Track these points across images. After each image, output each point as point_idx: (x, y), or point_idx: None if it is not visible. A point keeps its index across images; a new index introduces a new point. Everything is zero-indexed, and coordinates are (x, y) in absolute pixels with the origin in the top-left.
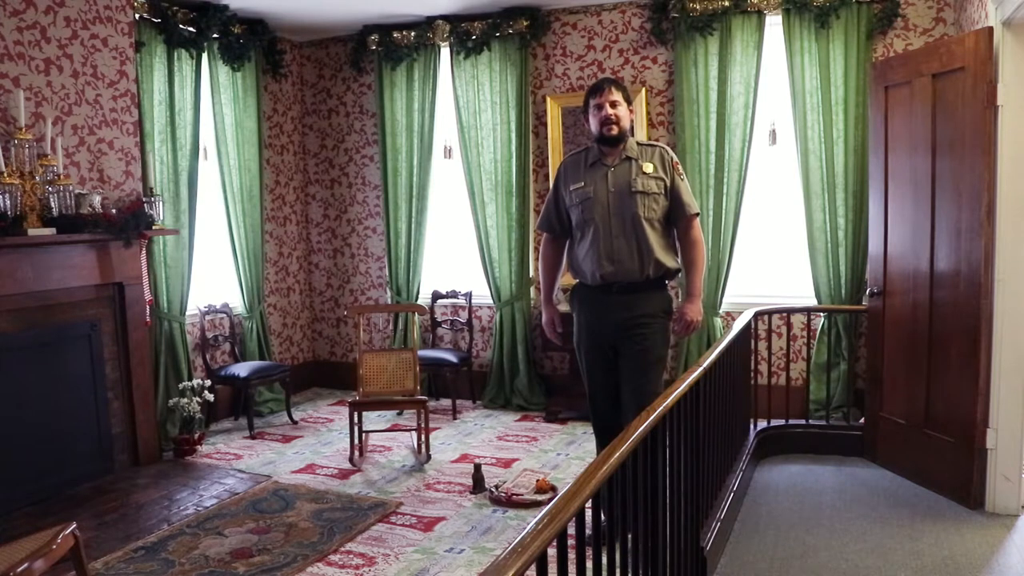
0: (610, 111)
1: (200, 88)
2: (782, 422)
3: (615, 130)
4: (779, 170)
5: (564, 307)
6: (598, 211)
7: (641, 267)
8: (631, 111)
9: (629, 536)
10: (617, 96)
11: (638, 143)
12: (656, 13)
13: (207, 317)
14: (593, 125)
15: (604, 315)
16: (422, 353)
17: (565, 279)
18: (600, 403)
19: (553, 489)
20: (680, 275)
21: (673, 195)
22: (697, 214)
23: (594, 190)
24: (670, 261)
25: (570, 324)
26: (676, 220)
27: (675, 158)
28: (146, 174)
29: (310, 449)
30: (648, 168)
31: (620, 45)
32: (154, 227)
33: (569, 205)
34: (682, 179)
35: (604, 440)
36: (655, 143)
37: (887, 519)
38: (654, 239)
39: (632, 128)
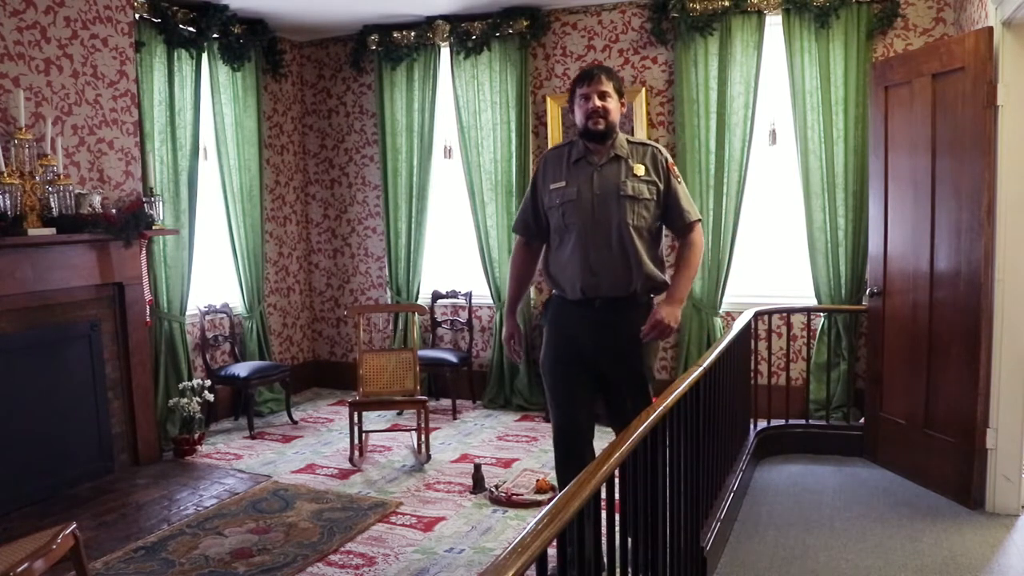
0: (598, 103)
1: (200, 88)
2: (782, 422)
3: (601, 124)
4: (779, 170)
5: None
6: (580, 216)
7: (629, 281)
8: (623, 104)
9: (628, 537)
10: (608, 87)
11: (628, 141)
12: (656, 13)
13: (207, 317)
14: (578, 117)
15: (583, 333)
16: (422, 353)
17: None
18: (564, 426)
19: (553, 489)
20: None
21: (670, 201)
22: (699, 220)
23: (577, 191)
24: (659, 275)
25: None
26: (674, 227)
27: (669, 159)
28: (146, 174)
29: (310, 449)
30: (639, 170)
31: (620, 45)
32: (154, 227)
33: (548, 206)
34: (679, 182)
35: (566, 471)
36: (647, 142)
37: (887, 519)
38: (643, 250)
39: (632, 129)
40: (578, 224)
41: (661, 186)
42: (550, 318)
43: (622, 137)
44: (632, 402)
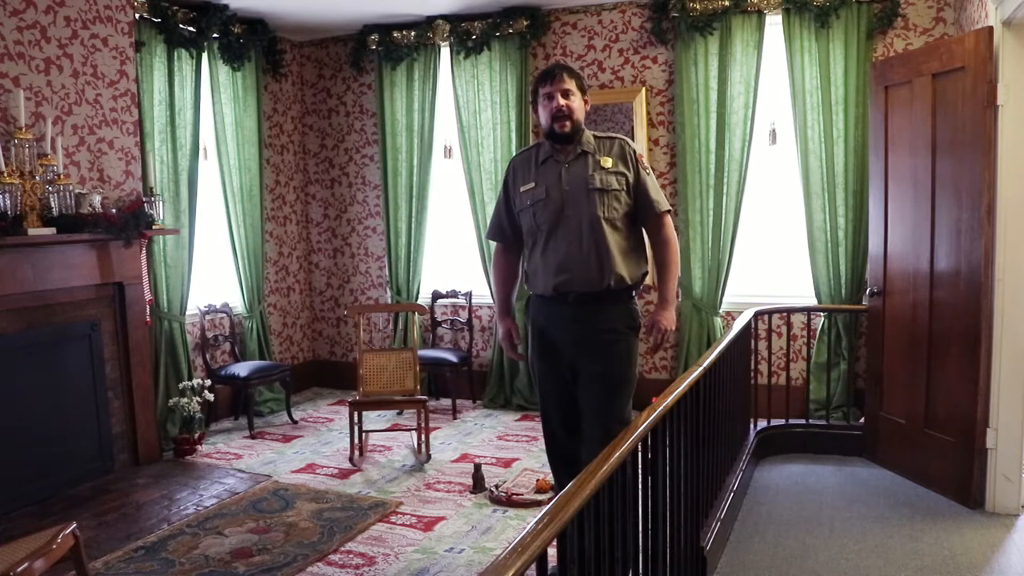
0: (562, 102)
1: (200, 88)
2: (782, 422)
3: (567, 126)
4: (779, 170)
5: None
6: (551, 214)
7: (601, 275)
8: (586, 102)
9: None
10: (571, 84)
11: (595, 136)
12: (656, 13)
13: (207, 317)
14: (543, 118)
15: (558, 328)
16: (422, 353)
17: None
18: (553, 424)
19: (553, 489)
20: (646, 280)
21: (639, 192)
22: (668, 211)
23: (546, 190)
24: (635, 267)
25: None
26: (644, 219)
27: (637, 150)
28: (146, 174)
29: (310, 449)
30: (607, 163)
31: (620, 45)
32: (154, 227)
33: (519, 209)
34: (648, 173)
35: (560, 470)
36: (614, 135)
37: (887, 519)
38: (615, 242)
39: (632, 129)
40: (549, 222)
41: (631, 177)
42: (531, 317)
43: (588, 133)
44: (608, 402)
